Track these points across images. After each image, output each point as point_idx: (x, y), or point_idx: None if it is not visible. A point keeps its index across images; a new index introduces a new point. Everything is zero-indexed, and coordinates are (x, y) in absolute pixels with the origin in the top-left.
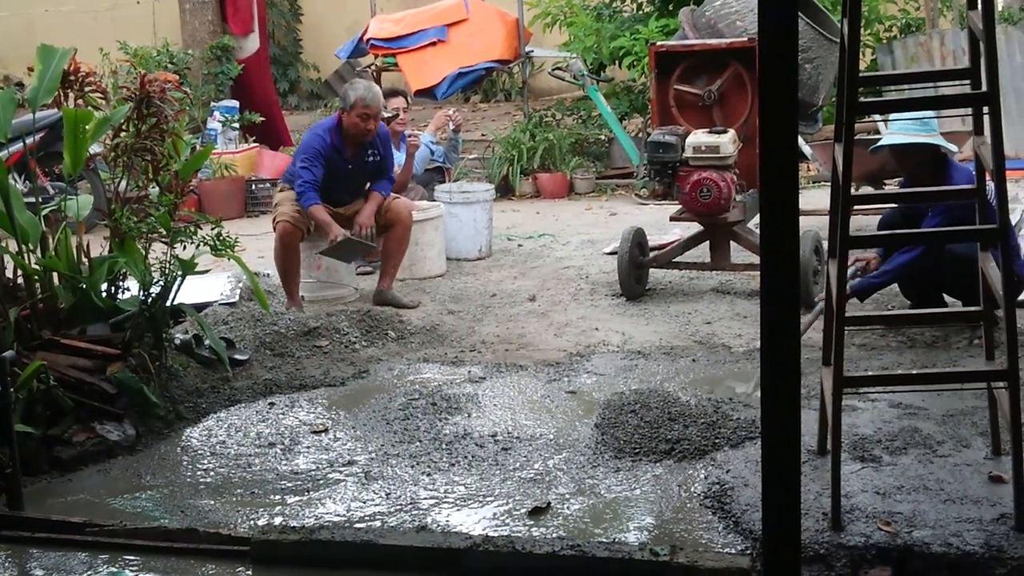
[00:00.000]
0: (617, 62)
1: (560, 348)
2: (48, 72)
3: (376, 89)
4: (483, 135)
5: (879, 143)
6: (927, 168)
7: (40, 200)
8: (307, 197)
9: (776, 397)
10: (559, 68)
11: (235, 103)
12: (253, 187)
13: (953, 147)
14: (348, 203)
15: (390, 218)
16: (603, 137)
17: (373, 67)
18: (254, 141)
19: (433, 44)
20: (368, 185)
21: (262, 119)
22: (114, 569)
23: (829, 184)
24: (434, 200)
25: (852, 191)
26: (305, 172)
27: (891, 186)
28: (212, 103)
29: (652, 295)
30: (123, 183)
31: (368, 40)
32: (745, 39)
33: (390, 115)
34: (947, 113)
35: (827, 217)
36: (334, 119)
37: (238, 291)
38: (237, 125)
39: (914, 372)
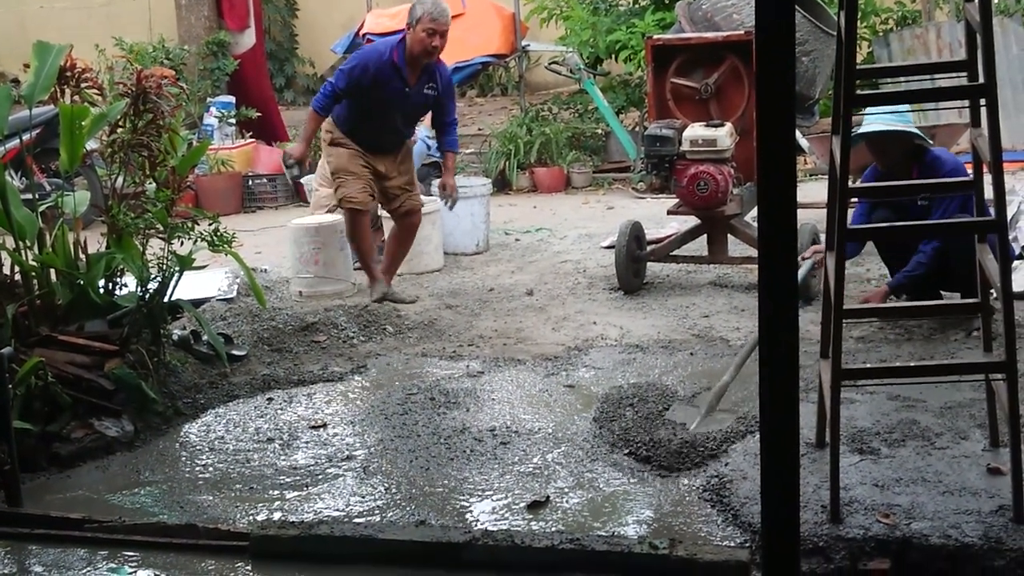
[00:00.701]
0: (614, 56)
1: (558, 342)
2: (44, 69)
3: (444, 5)
4: (480, 130)
5: (855, 133)
6: (907, 159)
7: (37, 196)
8: (320, 101)
9: (774, 390)
10: (556, 62)
11: (231, 99)
12: (250, 183)
13: (928, 140)
14: (388, 145)
15: (406, 209)
16: (600, 131)
17: None
18: (251, 137)
19: None
20: (443, 142)
21: (258, 114)
22: (113, 565)
23: (826, 177)
24: (431, 195)
25: (849, 184)
26: (340, 79)
27: None
28: (208, 99)
29: (650, 289)
30: (120, 179)
31: (364, 35)
32: (742, 32)
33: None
34: (944, 105)
35: (824, 210)
36: (398, 37)
37: (235, 287)
38: (233, 121)
39: (912, 364)
